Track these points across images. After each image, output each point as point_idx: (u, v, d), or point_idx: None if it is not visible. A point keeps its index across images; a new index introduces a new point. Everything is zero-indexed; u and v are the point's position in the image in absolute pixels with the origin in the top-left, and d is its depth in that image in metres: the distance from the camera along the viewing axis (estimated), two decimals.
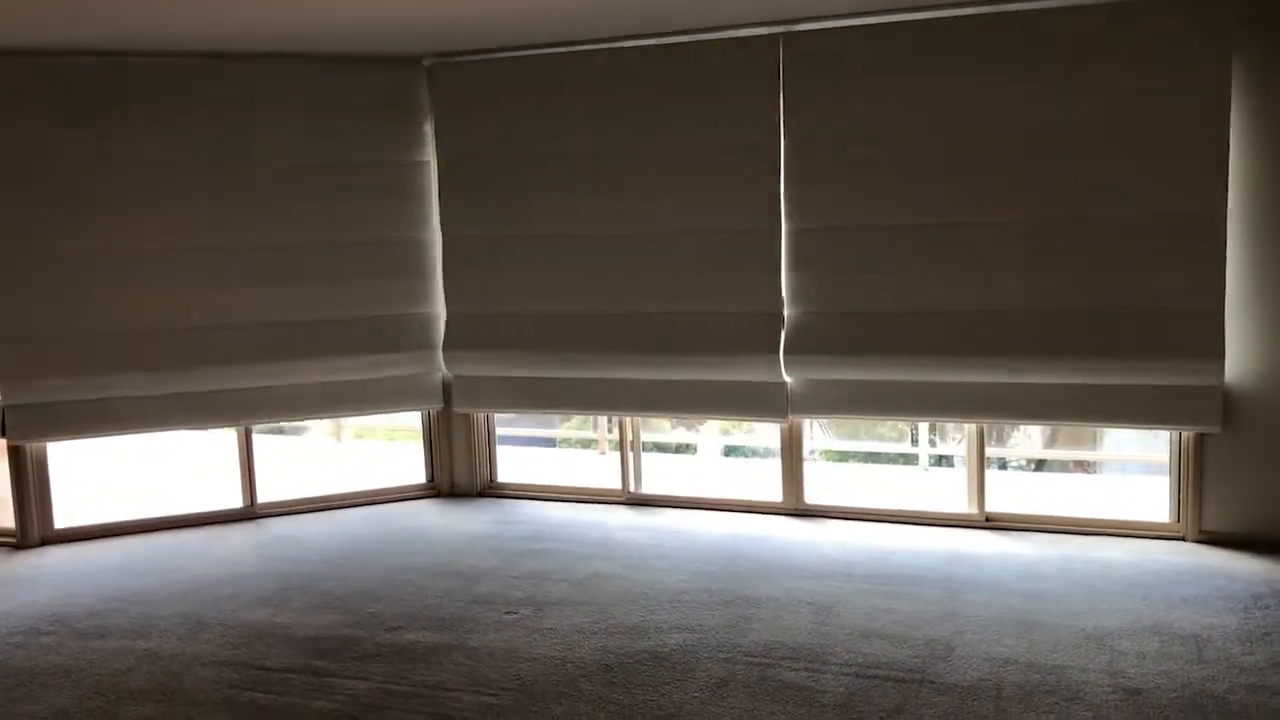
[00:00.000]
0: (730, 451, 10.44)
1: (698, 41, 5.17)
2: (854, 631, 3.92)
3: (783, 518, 5.44)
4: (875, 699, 3.39)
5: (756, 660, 3.70)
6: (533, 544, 5.13)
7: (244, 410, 5.62)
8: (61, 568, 5.04)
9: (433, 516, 5.71)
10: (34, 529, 5.46)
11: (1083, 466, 10.15)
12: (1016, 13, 4.67)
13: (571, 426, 14.21)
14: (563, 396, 5.69)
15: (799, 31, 5.00)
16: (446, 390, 5.98)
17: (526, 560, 4.88)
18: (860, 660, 3.67)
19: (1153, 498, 5.32)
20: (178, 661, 3.86)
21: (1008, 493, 5.80)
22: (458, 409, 5.96)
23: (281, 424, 12.65)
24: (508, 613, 4.22)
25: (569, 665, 3.72)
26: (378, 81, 5.61)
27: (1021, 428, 14.33)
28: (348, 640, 4.01)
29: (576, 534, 5.28)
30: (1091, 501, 5.80)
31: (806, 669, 3.61)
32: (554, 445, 9.54)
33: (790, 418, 5.30)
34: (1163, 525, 4.94)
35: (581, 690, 3.52)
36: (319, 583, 4.67)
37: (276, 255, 5.54)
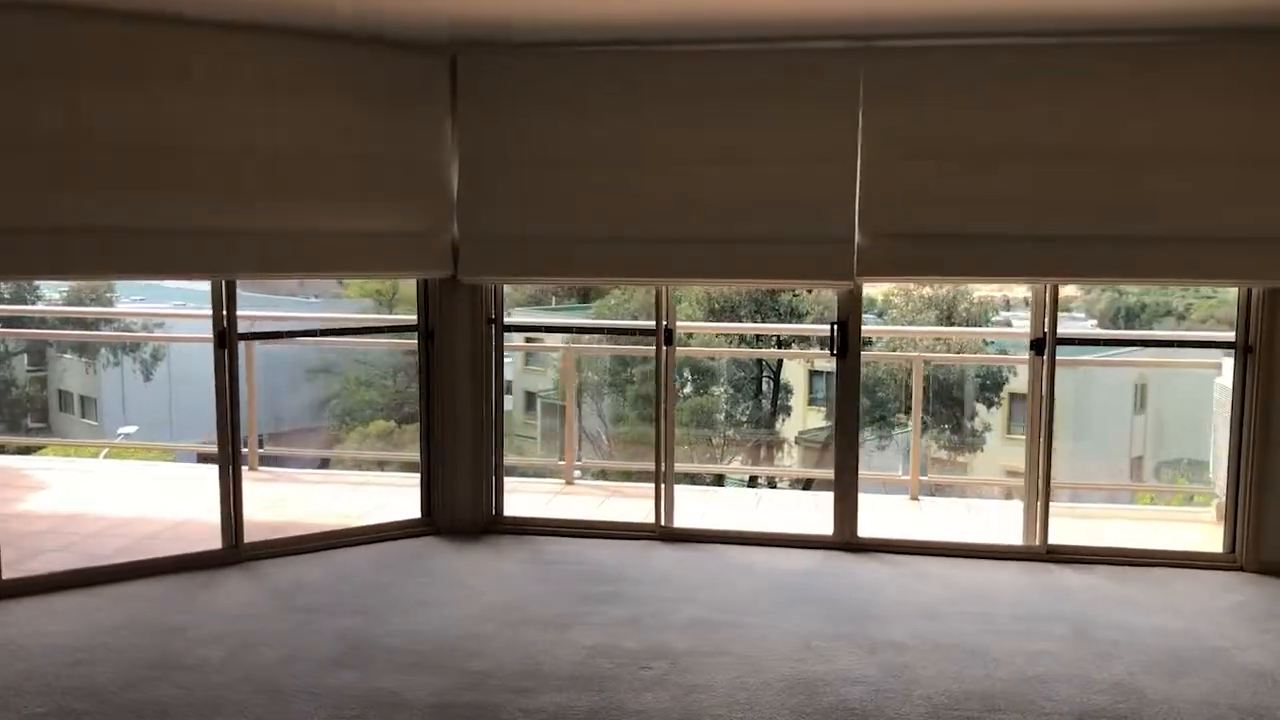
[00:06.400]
0: (750, 482, 10.04)
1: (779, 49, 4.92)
2: (1027, 676, 3.71)
3: (835, 552, 5.17)
4: None
5: (961, 710, 3.42)
6: (596, 586, 4.62)
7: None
8: (27, 628, 4.11)
9: (451, 556, 5.08)
10: None
11: None
12: (1089, 44, 4.71)
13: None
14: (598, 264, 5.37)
15: (879, 48, 4.84)
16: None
17: (607, 606, 4.37)
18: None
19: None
20: None
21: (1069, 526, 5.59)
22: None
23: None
24: (642, 668, 3.76)
25: None
26: (401, 68, 5.02)
27: None
28: (481, 708, 3.43)
29: (633, 574, 4.81)
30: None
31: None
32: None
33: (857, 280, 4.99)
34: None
35: None
36: (380, 637, 4.02)
37: (283, 242, 4.88)
